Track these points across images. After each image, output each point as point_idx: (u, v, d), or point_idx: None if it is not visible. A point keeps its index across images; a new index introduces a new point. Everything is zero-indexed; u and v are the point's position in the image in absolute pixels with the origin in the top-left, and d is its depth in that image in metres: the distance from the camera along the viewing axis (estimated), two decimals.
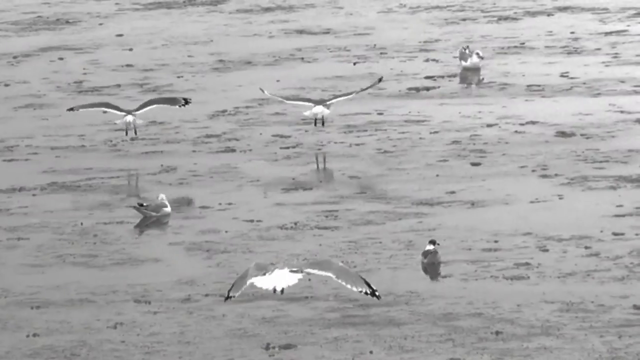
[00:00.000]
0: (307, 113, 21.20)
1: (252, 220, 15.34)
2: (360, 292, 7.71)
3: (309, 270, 7.95)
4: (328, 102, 20.98)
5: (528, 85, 25.27)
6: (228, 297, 8.03)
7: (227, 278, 12.38)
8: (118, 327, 10.41)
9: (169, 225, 15.87)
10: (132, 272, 13.10)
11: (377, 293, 7.74)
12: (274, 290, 7.93)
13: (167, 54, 30.59)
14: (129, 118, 19.95)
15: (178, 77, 27.54)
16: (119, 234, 15.07)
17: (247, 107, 23.82)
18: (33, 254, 13.92)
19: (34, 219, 15.77)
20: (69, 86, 26.38)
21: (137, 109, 20.19)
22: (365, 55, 28.63)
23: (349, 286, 7.65)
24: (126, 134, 20.46)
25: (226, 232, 14.83)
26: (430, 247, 12.95)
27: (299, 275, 7.92)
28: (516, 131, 21.11)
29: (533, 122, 21.65)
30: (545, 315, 10.43)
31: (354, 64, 25.88)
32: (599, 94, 24.29)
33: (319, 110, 20.79)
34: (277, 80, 25.43)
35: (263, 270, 7.97)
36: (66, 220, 15.70)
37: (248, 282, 7.85)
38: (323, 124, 21.38)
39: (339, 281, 7.59)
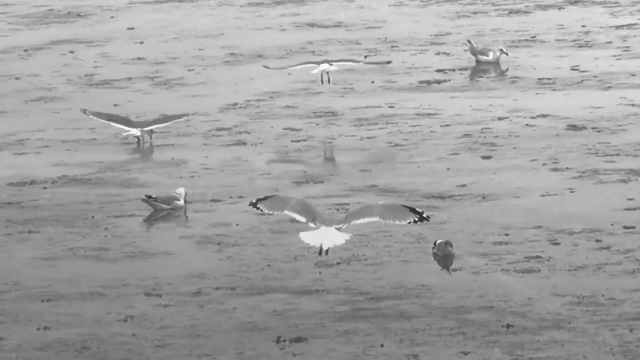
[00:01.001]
0: (314, 71, 21.70)
1: (263, 214, 15.34)
2: (409, 222, 7.60)
3: (353, 223, 7.79)
4: (333, 62, 21.65)
5: (539, 79, 25.25)
6: (255, 205, 7.92)
7: (238, 271, 12.43)
8: (129, 320, 10.45)
9: (179, 218, 15.89)
10: (143, 265, 13.12)
11: (425, 215, 7.68)
12: (320, 250, 7.76)
13: (178, 47, 30.62)
14: (135, 132, 20.10)
15: (189, 70, 27.58)
16: (129, 227, 15.09)
17: (258, 100, 23.87)
18: (44, 247, 13.96)
19: (45, 212, 15.81)
20: (80, 79, 26.44)
21: (149, 124, 20.33)
22: (376, 48, 28.65)
23: (397, 222, 7.55)
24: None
25: (237, 225, 14.85)
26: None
27: (347, 236, 7.74)
28: (527, 124, 21.10)
29: (544, 116, 21.63)
30: (556, 308, 10.43)
31: (365, 57, 25.88)
32: (610, 87, 24.28)
33: (325, 67, 21.34)
34: (289, 73, 25.42)
35: (307, 214, 7.86)
36: (77, 213, 15.73)
37: (287, 214, 7.81)
38: (329, 81, 21.77)
39: (387, 222, 7.50)
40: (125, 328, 10.19)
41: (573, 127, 20.57)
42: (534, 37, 30.54)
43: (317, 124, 21.68)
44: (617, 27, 31.13)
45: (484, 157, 18.71)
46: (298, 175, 17.96)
